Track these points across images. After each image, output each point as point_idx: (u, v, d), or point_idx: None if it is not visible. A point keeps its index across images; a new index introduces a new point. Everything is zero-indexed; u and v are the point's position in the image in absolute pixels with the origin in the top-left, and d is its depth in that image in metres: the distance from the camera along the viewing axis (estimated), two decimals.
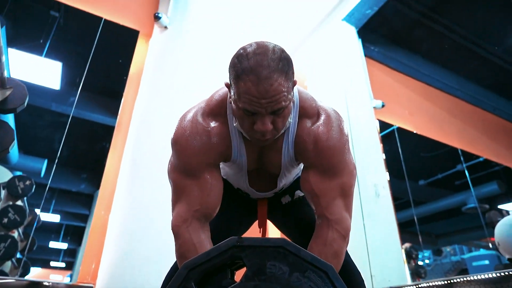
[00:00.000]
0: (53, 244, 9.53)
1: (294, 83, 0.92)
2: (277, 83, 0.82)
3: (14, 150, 5.40)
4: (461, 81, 5.37)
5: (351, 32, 3.98)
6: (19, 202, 3.30)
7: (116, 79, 4.63)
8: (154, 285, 1.98)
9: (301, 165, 1.13)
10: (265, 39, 0.93)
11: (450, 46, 4.88)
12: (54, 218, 8.27)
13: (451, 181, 7.94)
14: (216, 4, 3.21)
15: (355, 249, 2.70)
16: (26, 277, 3.81)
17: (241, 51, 0.87)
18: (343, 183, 0.98)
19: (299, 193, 1.24)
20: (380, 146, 3.51)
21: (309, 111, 1.00)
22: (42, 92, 4.86)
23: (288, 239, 0.78)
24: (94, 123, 5.44)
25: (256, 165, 1.08)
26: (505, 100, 5.99)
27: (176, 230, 0.96)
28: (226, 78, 0.94)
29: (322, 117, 0.99)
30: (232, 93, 0.89)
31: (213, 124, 0.99)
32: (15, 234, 3.19)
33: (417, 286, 2.10)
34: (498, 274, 1.64)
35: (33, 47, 4.35)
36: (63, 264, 10.93)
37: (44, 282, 2.11)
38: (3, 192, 3.17)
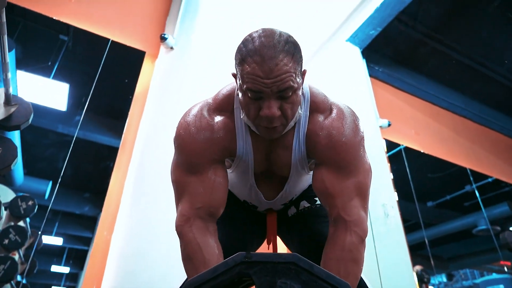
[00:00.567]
0: (55, 268, 9.38)
1: (304, 72, 0.88)
2: (282, 63, 0.78)
3: (19, 172, 5.41)
4: (467, 101, 5.36)
5: (356, 52, 4.01)
6: (21, 223, 3.26)
7: (121, 99, 4.67)
8: None
9: (311, 173, 1.06)
10: None
11: (454, 66, 4.90)
12: (57, 241, 8.18)
13: (460, 203, 7.79)
14: (222, 25, 3.25)
15: (367, 272, 2.61)
16: None
17: (247, 37, 0.84)
18: (359, 182, 0.92)
19: (304, 203, 1.16)
20: (387, 166, 3.46)
21: (320, 106, 0.96)
22: (49, 114, 4.91)
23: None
24: (100, 145, 5.46)
25: (264, 166, 1.00)
26: None
27: (179, 230, 0.91)
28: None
29: (335, 111, 0.94)
30: (238, 80, 0.85)
31: (218, 118, 0.95)
32: (16, 256, 3.13)
33: None
34: None
35: (41, 69, 4.43)
36: None
37: None
38: (4, 212, 3.13)
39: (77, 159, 5.77)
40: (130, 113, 2.97)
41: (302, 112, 0.93)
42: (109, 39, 3.15)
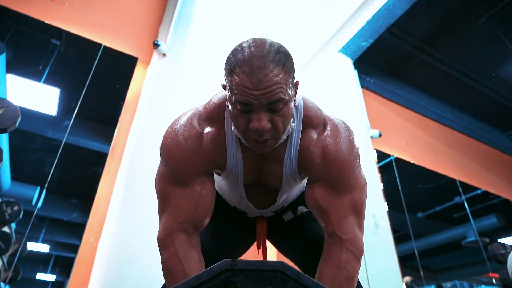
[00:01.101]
0: (40, 276, 9.16)
1: (297, 84, 0.85)
2: (272, 74, 0.74)
3: (5, 176, 5.30)
4: (456, 113, 5.45)
5: (347, 63, 4.06)
6: (5, 229, 3.18)
7: (112, 105, 4.64)
8: None
9: (305, 181, 1.03)
10: None
11: (443, 78, 4.99)
12: (43, 248, 8.00)
13: (450, 214, 7.84)
14: (215, 34, 3.27)
15: None
16: None
17: (237, 47, 0.80)
18: (355, 200, 0.89)
19: (302, 208, 1.13)
20: (378, 176, 3.47)
21: (314, 121, 0.92)
22: (39, 118, 4.85)
23: (288, 262, 0.72)
24: (89, 151, 5.39)
25: (254, 178, 0.98)
26: (500, 132, 6.05)
27: (162, 243, 0.89)
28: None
29: (329, 128, 0.90)
30: (227, 92, 0.81)
31: (208, 129, 0.91)
32: None
33: None
34: None
35: (32, 73, 4.38)
36: None
37: None
38: None
39: (66, 164, 5.68)
40: (120, 119, 2.94)
41: (294, 125, 0.90)
42: (101, 44, 3.14)
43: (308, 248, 1.05)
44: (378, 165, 3.74)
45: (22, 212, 3.06)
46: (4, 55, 3.83)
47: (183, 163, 0.88)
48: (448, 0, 4.11)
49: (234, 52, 0.79)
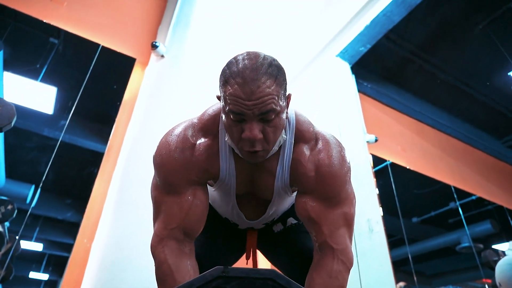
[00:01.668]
0: (33, 275, 9.10)
1: (289, 96, 0.89)
2: (264, 85, 0.78)
3: (0, 175, 5.28)
4: (452, 119, 5.48)
5: (345, 68, 4.07)
6: None
7: (109, 105, 4.63)
8: None
9: (294, 194, 1.05)
10: None
11: (440, 85, 5.02)
12: (37, 246, 7.95)
13: (445, 219, 7.87)
14: (213, 35, 3.27)
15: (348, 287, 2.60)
16: None
17: (232, 59, 0.84)
18: (346, 213, 0.93)
19: (292, 220, 1.16)
20: (373, 181, 3.48)
21: (306, 135, 0.95)
22: (35, 117, 4.83)
23: (279, 271, 0.72)
24: (85, 150, 5.38)
25: (246, 189, 0.99)
26: (495, 139, 6.09)
27: (153, 250, 0.90)
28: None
29: (321, 143, 0.94)
30: (221, 102, 0.85)
31: (201, 140, 0.93)
32: None
33: None
34: None
35: (29, 71, 4.37)
36: None
37: None
38: None
39: (62, 163, 5.66)
40: (117, 119, 2.94)
41: (287, 137, 0.92)
42: (99, 45, 3.13)
43: (297, 259, 1.07)
44: (373, 169, 3.75)
45: (15, 211, 3.05)
46: (1, 52, 3.82)
47: (174, 172, 0.90)
48: (445, 8, 4.14)
49: (229, 64, 0.83)
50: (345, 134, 3.47)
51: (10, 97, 4.22)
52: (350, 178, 0.96)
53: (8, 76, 4.13)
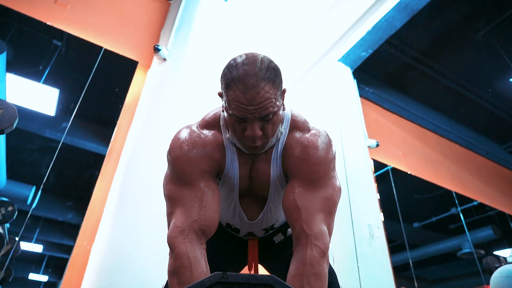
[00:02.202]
0: (33, 276, 9.09)
1: (284, 92, 0.95)
2: (263, 91, 0.86)
3: (1, 175, 5.29)
4: (453, 124, 5.47)
5: (347, 72, 4.08)
6: None
7: (111, 108, 4.64)
8: None
9: None
10: None
11: (442, 90, 5.01)
12: (37, 248, 7.95)
13: (446, 225, 7.84)
14: (215, 39, 3.29)
15: None
16: None
17: (232, 62, 0.91)
18: (327, 198, 0.95)
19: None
20: (374, 186, 3.47)
21: (300, 125, 1.04)
22: (37, 118, 4.84)
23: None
24: (86, 152, 5.39)
25: (247, 184, 1.05)
26: (497, 144, 6.08)
27: (172, 242, 0.87)
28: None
29: (312, 131, 1.02)
30: (223, 102, 0.93)
31: (208, 134, 1.01)
32: None
33: None
34: None
35: (32, 73, 4.39)
36: None
37: None
38: None
39: (63, 165, 5.67)
40: (119, 122, 2.94)
41: (283, 130, 1.01)
42: (102, 47, 3.15)
43: None
44: (374, 174, 3.75)
45: (16, 213, 3.05)
46: (4, 54, 3.84)
47: (189, 164, 0.96)
48: (447, 13, 4.14)
49: (229, 68, 0.90)
50: (346, 139, 3.47)
51: (13, 99, 4.23)
52: (335, 168, 1.01)
53: (11, 77, 4.15)
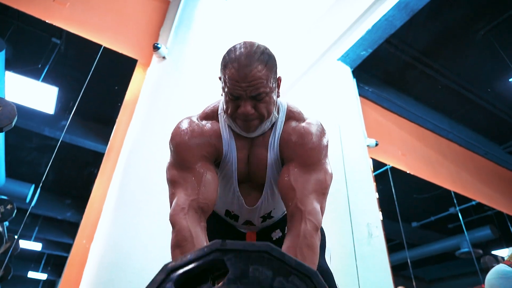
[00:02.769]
0: (31, 274, 9.09)
1: (279, 79, 1.04)
2: (256, 70, 0.94)
3: (0, 174, 5.28)
4: (453, 124, 5.48)
5: (346, 71, 4.09)
6: None
7: (110, 106, 4.64)
8: None
9: None
10: None
11: (441, 90, 5.02)
12: (36, 246, 7.94)
13: (444, 224, 7.86)
14: (214, 37, 3.29)
15: None
16: None
17: (231, 47, 1.00)
18: (320, 180, 1.02)
19: None
20: (373, 185, 3.48)
21: (296, 115, 1.11)
22: (36, 116, 4.84)
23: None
24: (85, 150, 5.38)
25: (245, 170, 1.11)
26: (496, 144, 6.09)
27: (174, 219, 0.93)
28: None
29: (307, 120, 1.10)
30: (221, 82, 1.00)
31: (206, 123, 1.10)
32: None
33: None
34: None
35: (31, 71, 4.38)
36: None
37: None
38: None
39: (62, 163, 5.67)
40: (118, 120, 2.94)
41: (278, 116, 1.09)
42: (101, 45, 3.14)
43: None
44: (373, 174, 3.75)
45: (15, 211, 3.05)
46: (3, 52, 3.83)
47: (189, 150, 1.03)
48: (447, 13, 4.15)
49: (229, 51, 1.00)
50: (346, 138, 3.47)
51: (12, 97, 4.23)
52: (327, 156, 1.09)
53: (10, 75, 4.14)
